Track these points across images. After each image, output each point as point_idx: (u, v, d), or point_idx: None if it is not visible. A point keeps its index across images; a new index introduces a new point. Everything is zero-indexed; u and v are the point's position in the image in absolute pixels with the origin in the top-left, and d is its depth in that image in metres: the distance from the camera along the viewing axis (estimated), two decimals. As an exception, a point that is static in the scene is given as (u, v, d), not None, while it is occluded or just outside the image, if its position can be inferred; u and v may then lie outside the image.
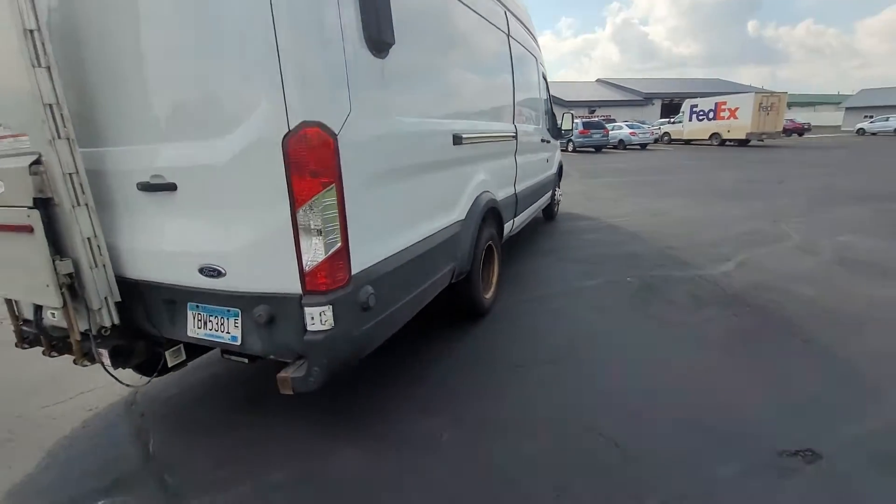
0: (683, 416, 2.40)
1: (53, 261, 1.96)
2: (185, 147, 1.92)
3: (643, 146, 26.81)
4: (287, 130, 1.73)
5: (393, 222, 2.32)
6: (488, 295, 3.80)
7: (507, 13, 4.25)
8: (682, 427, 2.32)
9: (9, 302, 2.34)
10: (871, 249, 5.29)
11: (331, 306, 1.88)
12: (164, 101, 1.96)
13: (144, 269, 2.13)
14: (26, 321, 2.39)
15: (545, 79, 6.28)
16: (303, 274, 1.87)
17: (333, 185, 1.82)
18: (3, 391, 2.90)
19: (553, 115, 6.71)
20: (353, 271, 1.98)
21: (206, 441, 2.37)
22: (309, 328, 1.89)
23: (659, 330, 3.45)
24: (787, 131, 31.71)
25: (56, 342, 2.28)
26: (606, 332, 3.44)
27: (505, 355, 3.13)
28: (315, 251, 1.84)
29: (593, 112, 41.33)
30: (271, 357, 2.05)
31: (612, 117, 33.66)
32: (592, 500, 1.91)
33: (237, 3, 1.71)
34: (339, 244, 1.89)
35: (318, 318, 1.88)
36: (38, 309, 2.20)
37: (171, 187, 1.98)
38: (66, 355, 2.30)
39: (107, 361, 2.15)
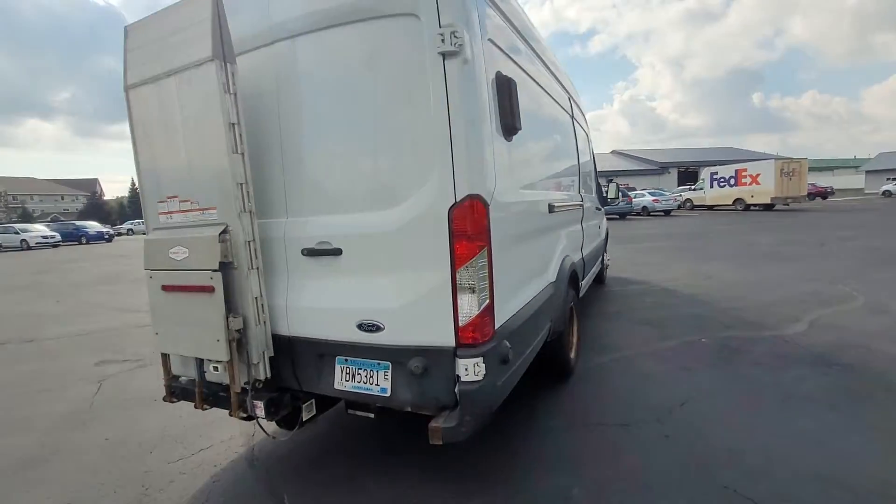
0: (808, 472, 2.36)
1: (227, 318, 2.19)
2: (353, 218, 2.21)
3: (667, 212, 27.19)
4: (453, 202, 2.00)
5: (517, 281, 2.53)
6: (572, 354, 3.87)
7: (570, 97, 4.75)
8: (811, 482, 2.28)
9: (164, 357, 2.56)
10: (943, 309, 5.20)
11: (482, 358, 2.03)
12: (337, 181, 2.28)
13: (300, 325, 2.34)
14: (174, 377, 2.58)
15: (592, 151, 6.74)
16: (457, 328, 2.05)
17: (486, 248, 2.05)
18: (123, 447, 3.02)
19: (599, 184, 7.09)
20: (496, 326, 2.15)
21: (337, 500, 2.41)
22: (463, 379, 2.03)
23: (752, 388, 3.42)
24: (811, 195, 31.87)
25: (209, 396, 2.45)
26: (700, 391, 3.43)
27: (605, 414, 3.14)
28: (469, 307, 2.03)
29: (611, 181, 42.55)
30: (411, 409, 2.17)
31: (631, 185, 34.52)
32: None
33: (421, 112, 2.05)
34: (488, 301, 2.08)
35: (472, 370, 2.02)
36: (200, 364, 2.40)
37: (337, 252, 2.24)
38: (205, 409, 2.46)
39: (261, 413, 2.30)
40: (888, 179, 42.91)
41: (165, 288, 2.38)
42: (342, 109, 2.23)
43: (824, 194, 36.53)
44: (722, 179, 28.69)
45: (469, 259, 2.02)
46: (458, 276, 2.03)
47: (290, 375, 2.40)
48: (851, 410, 3.03)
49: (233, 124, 2.17)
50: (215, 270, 2.20)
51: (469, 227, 2.01)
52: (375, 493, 2.43)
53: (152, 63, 2.32)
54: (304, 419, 2.50)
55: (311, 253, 2.31)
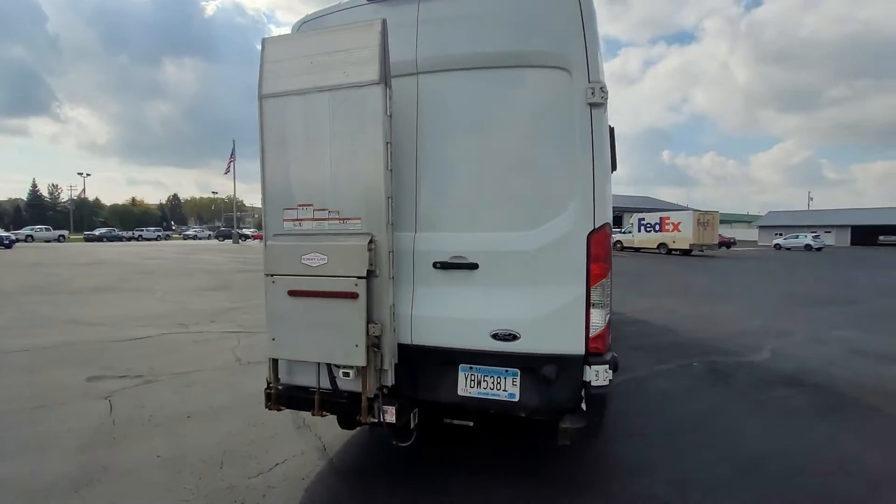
0: (831, 465, 2.88)
1: (367, 324, 2.29)
2: (492, 236, 2.44)
3: (602, 251, 29.41)
4: (592, 228, 2.31)
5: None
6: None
7: None
8: (834, 473, 2.79)
9: (273, 363, 2.54)
10: (868, 341, 6.33)
11: (607, 365, 2.31)
12: (474, 203, 2.50)
13: (425, 334, 2.47)
14: (284, 385, 2.55)
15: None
16: (588, 338, 2.32)
17: (610, 269, 2.38)
18: (185, 463, 2.85)
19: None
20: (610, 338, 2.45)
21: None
22: (592, 383, 2.29)
23: (756, 404, 4.00)
24: (720, 244, 36.18)
25: (325, 402, 2.46)
26: (714, 406, 3.94)
27: (645, 426, 3.52)
28: (598, 320, 2.33)
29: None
30: (534, 414, 2.38)
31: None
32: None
33: (565, 149, 2.36)
34: (609, 315, 2.38)
35: (601, 376, 2.29)
36: (328, 370, 2.43)
37: (473, 266, 2.44)
38: (323, 415, 2.48)
39: (391, 418, 2.37)
40: (776, 234, 50.13)
41: (293, 293, 2.41)
42: (485, 140, 2.48)
43: (728, 244, 41.59)
44: (648, 225, 31.78)
45: (601, 279, 2.32)
46: (592, 292, 2.32)
47: (407, 383, 2.50)
48: (837, 418, 3.67)
49: (388, 143, 2.34)
50: (361, 278, 2.30)
51: (602, 250, 2.33)
52: (471, 498, 2.56)
53: (299, 77, 2.43)
54: (411, 426, 2.59)
55: (444, 266, 2.48)
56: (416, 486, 2.66)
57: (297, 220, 2.48)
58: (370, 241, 2.31)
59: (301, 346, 2.42)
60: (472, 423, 2.63)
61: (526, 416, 2.43)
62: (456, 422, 2.66)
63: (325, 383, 2.46)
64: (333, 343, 2.35)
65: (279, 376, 2.57)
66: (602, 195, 2.34)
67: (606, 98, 2.32)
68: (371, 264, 2.30)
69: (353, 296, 2.30)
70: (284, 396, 2.55)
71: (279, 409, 2.55)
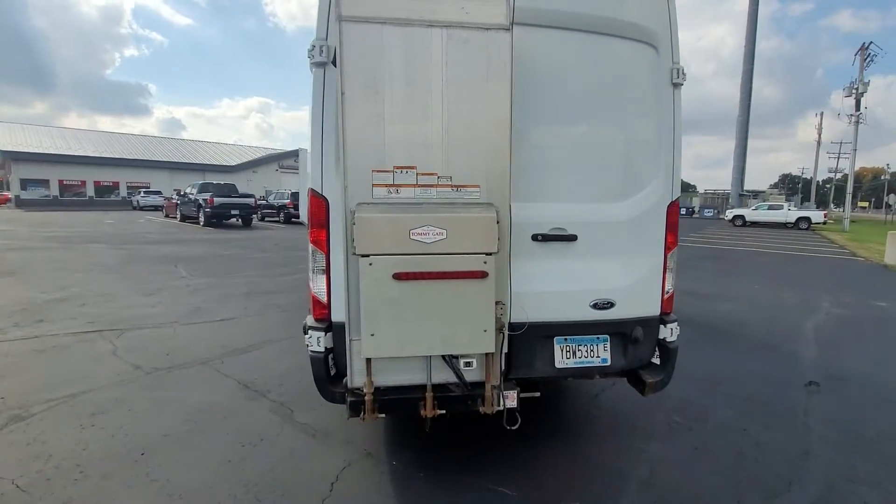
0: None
1: (497, 306, 2.07)
2: (589, 207, 2.42)
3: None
4: (671, 200, 2.53)
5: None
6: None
7: None
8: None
9: (368, 364, 2.05)
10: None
11: (676, 323, 2.63)
12: (572, 173, 2.41)
13: (524, 310, 2.34)
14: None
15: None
16: (663, 300, 2.58)
17: (677, 238, 2.66)
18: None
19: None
20: (665, 300, 2.77)
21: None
22: (668, 340, 2.58)
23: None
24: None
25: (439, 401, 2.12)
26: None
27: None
28: (670, 284, 2.61)
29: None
30: (619, 373, 2.57)
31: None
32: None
33: (652, 125, 2.48)
34: (674, 279, 2.68)
35: (673, 332, 2.60)
36: (453, 361, 2.08)
37: (572, 238, 2.39)
38: (435, 415, 2.15)
39: (513, 403, 2.21)
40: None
41: (400, 276, 1.97)
42: (578, 107, 2.40)
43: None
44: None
45: (674, 247, 2.59)
46: (668, 259, 2.57)
47: (504, 363, 2.36)
48: (692, 331, 4.93)
49: (510, 116, 2.06)
50: (490, 254, 2.03)
51: (675, 220, 2.58)
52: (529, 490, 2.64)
53: (401, 1, 1.91)
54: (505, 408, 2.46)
55: (544, 238, 2.36)
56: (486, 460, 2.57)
57: (392, 185, 2.00)
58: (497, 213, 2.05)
59: (411, 339, 2.03)
60: (538, 394, 2.66)
61: (612, 376, 2.59)
62: (524, 395, 2.64)
63: (439, 378, 2.13)
64: (456, 330, 2.04)
65: (376, 378, 2.09)
66: (678, 171, 2.57)
67: (685, 80, 2.52)
68: (499, 239, 2.05)
69: (482, 275, 2.02)
70: (380, 402, 2.10)
71: (376, 418, 2.09)
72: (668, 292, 2.60)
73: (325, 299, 2.29)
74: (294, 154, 37.82)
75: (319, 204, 2.25)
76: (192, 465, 2.47)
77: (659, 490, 2.39)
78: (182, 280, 7.53)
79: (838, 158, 45.15)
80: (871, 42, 35.86)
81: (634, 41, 2.42)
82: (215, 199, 18.00)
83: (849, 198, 29.18)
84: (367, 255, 1.95)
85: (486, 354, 2.11)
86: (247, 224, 19.52)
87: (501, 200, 2.08)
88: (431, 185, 2.03)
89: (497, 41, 1.99)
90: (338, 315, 2.27)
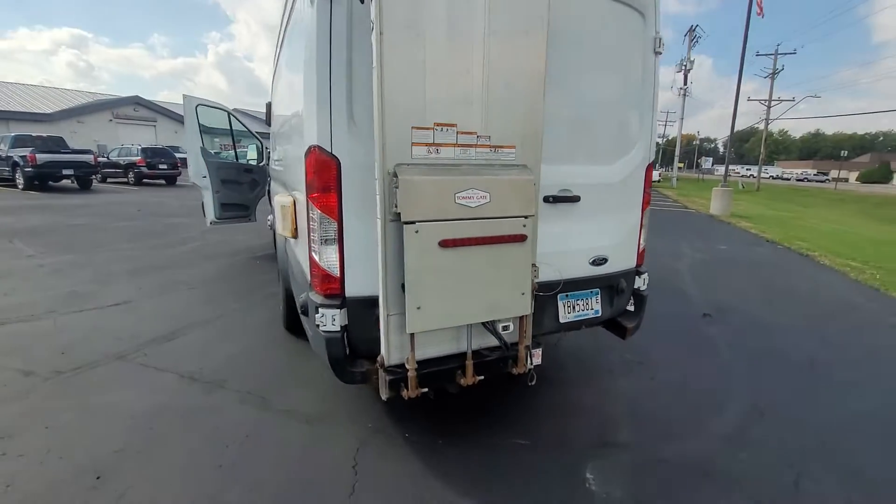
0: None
1: (533, 268, 2.09)
2: (588, 169, 2.51)
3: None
4: (650, 161, 2.76)
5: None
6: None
7: None
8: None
9: (412, 339, 1.89)
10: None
11: (646, 274, 2.95)
12: (573, 134, 2.45)
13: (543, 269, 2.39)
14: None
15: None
16: (638, 254, 2.86)
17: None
18: None
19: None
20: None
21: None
22: (642, 289, 2.89)
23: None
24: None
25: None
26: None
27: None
28: (643, 239, 2.89)
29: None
30: (606, 321, 2.82)
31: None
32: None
33: (637, 90, 2.62)
34: (646, 235, 2.97)
35: (644, 283, 2.92)
36: (494, 326, 2.03)
37: (576, 199, 2.47)
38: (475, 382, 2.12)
39: (538, 360, 2.28)
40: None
41: (446, 243, 1.83)
42: (578, 68, 2.41)
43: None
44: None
45: (648, 206, 2.85)
46: (643, 216, 2.83)
47: None
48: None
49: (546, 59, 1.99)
50: (528, 217, 2.00)
51: (650, 181, 2.83)
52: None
53: (443, -67, 1.68)
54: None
55: (554, 200, 2.40)
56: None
57: (432, 144, 1.83)
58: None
59: (457, 308, 1.94)
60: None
61: (598, 325, 2.82)
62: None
63: (477, 344, 2.09)
64: (498, 296, 2.02)
65: (419, 352, 1.96)
66: (655, 134, 2.80)
67: (663, 50, 2.70)
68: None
69: (522, 238, 2.01)
70: (422, 376, 1.98)
71: (417, 395, 1.97)
72: (642, 247, 2.89)
73: (337, 272, 2.05)
74: (132, 101, 31.53)
75: (328, 164, 1.95)
76: (175, 479, 2.09)
77: (641, 417, 2.74)
78: (30, 259, 5.96)
79: (665, 125, 53.48)
80: (697, 25, 42.61)
81: (628, 6, 2.50)
82: (38, 155, 14.25)
83: (676, 159, 35.17)
84: (413, 222, 1.77)
85: (522, 316, 2.13)
86: (85, 186, 15.98)
87: (535, 162, 2.05)
88: (471, 146, 1.91)
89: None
90: (354, 289, 2.06)
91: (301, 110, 2.13)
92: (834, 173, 59.98)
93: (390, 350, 1.93)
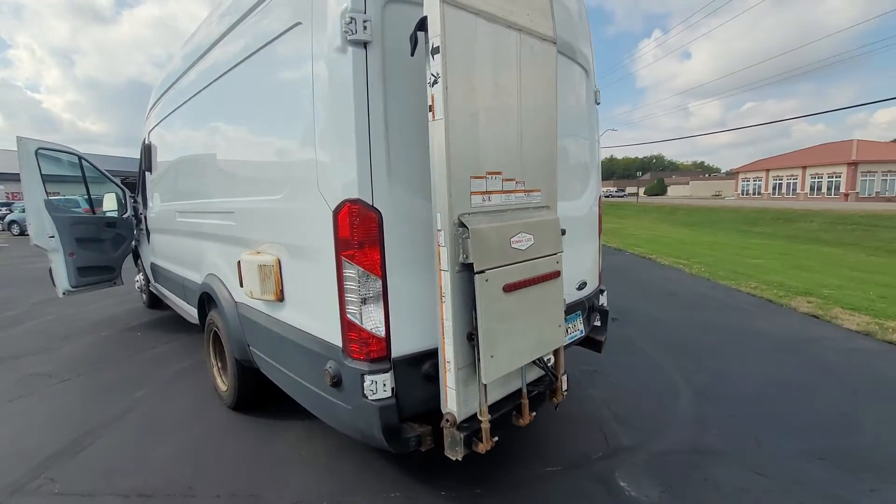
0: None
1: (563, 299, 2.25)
2: (565, 204, 2.77)
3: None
4: (598, 195, 3.18)
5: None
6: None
7: None
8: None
9: (484, 390, 1.82)
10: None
11: (605, 292, 3.35)
12: (566, 173, 2.70)
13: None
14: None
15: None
16: (600, 277, 3.25)
17: (593, 223, 3.37)
18: None
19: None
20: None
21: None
22: (605, 306, 3.27)
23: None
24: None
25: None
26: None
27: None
28: (601, 263, 3.30)
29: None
30: (585, 339, 3.11)
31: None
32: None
33: (592, 145, 3.00)
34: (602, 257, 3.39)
35: (605, 299, 3.31)
36: (544, 362, 2.05)
37: (563, 232, 2.70)
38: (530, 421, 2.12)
39: (566, 384, 2.38)
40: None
41: (508, 288, 1.86)
42: (561, 121, 2.70)
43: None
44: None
45: (601, 231, 3.27)
46: (600, 240, 3.23)
47: None
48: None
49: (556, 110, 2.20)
50: (559, 253, 2.15)
51: (601, 209, 3.26)
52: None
53: (488, -5, 1.78)
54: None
55: (551, 234, 2.60)
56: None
57: (486, 192, 1.88)
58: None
59: (518, 349, 1.97)
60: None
61: (578, 343, 3.09)
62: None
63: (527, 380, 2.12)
64: (544, 331, 2.11)
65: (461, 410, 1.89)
66: (599, 170, 3.25)
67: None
68: (559, 238, 2.20)
69: (558, 274, 2.16)
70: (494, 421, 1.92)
71: (491, 447, 1.89)
72: (600, 268, 3.29)
73: (382, 333, 1.90)
74: None
75: (370, 218, 1.83)
76: None
77: (626, 419, 3.06)
78: None
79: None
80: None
81: (577, 64, 2.91)
82: None
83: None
84: (484, 271, 1.77)
85: (562, 347, 2.25)
86: None
87: (554, 203, 2.23)
88: (512, 191, 1.99)
89: (549, 52, 2.10)
90: (400, 348, 1.93)
91: (314, 159, 1.94)
92: (631, 189, 74.96)
93: (460, 404, 1.85)
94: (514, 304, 1.91)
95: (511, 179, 1.98)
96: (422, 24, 1.68)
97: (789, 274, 8.44)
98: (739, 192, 51.96)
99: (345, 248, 1.85)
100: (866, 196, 37.06)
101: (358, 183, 1.79)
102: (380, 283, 1.86)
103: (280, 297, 2.37)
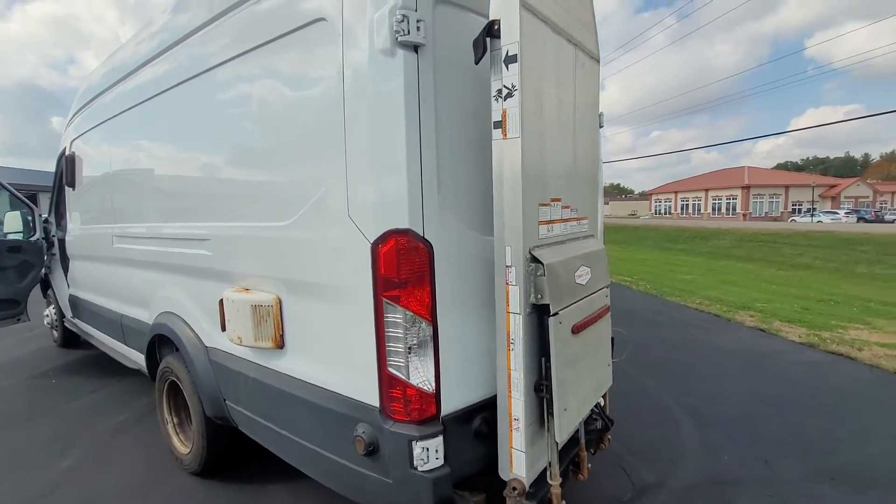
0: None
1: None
2: None
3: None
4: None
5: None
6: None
7: None
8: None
9: (555, 448, 1.58)
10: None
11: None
12: None
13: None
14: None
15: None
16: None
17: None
18: None
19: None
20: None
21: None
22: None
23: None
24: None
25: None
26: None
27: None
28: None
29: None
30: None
31: None
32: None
33: None
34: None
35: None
36: (600, 407, 1.83)
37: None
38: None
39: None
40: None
41: (576, 329, 1.65)
42: None
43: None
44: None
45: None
46: (606, 266, 3.15)
47: None
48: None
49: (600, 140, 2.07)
50: (608, 286, 1.98)
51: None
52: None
53: (554, 5, 1.61)
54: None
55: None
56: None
57: (549, 221, 1.68)
58: (598, 243, 2.04)
59: (582, 398, 1.78)
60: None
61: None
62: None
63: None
64: (599, 373, 1.93)
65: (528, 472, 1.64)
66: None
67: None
68: (603, 270, 2.05)
69: (608, 309, 1.99)
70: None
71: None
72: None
73: (432, 388, 1.60)
74: None
75: (420, 252, 1.54)
76: None
77: (638, 450, 2.96)
78: None
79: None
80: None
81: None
82: None
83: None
84: (558, 312, 1.55)
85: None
86: None
87: (596, 231, 2.08)
88: (568, 220, 1.81)
89: (595, 71, 1.97)
90: (451, 403, 1.65)
91: (342, 180, 1.62)
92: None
93: (529, 468, 1.59)
94: (579, 346, 1.71)
95: (567, 206, 1.79)
96: (490, 29, 1.46)
97: (722, 289, 9.13)
98: (653, 211, 56.88)
99: (387, 287, 1.54)
100: (757, 216, 42.16)
101: (408, 211, 1.50)
102: (430, 328, 1.57)
103: (280, 344, 1.97)
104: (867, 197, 48.13)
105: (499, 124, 1.48)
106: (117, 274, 3.40)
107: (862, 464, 2.83)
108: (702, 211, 48.06)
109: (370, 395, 1.62)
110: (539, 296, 1.51)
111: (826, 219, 34.44)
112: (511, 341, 1.52)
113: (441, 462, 1.57)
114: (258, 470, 2.69)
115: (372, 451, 1.61)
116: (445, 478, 1.57)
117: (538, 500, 1.61)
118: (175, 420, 2.90)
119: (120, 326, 3.45)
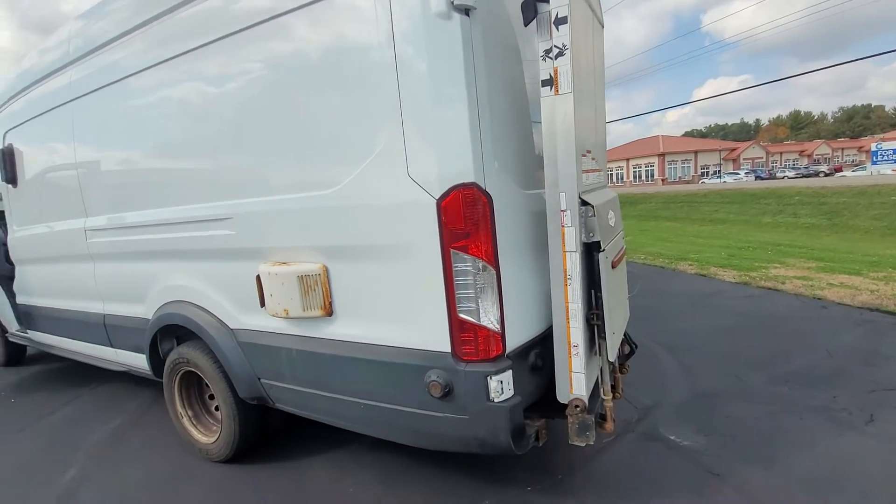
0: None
1: (624, 275, 2.36)
2: None
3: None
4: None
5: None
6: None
7: None
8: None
9: (601, 373, 1.80)
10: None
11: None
12: None
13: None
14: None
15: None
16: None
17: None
18: None
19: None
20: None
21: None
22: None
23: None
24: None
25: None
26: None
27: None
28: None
29: None
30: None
31: None
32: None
33: None
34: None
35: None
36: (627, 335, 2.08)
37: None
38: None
39: None
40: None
41: (614, 264, 1.88)
42: None
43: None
44: None
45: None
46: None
47: None
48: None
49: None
50: (623, 229, 2.23)
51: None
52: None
53: (580, -29, 1.77)
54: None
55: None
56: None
57: (587, 171, 1.87)
58: (612, 194, 2.28)
59: (619, 326, 2.02)
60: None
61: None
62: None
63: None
64: (624, 305, 2.18)
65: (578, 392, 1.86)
66: None
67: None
68: (616, 218, 2.30)
69: (624, 250, 2.24)
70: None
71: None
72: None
73: (499, 328, 1.76)
74: None
75: (483, 204, 1.68)
76: None
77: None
78: None
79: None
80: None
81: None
82: None
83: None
84: (604, 249, 1.76)
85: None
86: None
87: (606, 181, 2.31)
88: (593, 170, 2.01)
89: (601, 36, 2.16)
90: (514, 341, 1.82)
91: (400, 142, 1.70)
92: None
93: (585, 388, 1.81)
94: (616, 279, 1.94)
95: (594, 158, 2.00)
96: (538, -8, 1.60)
97: (659, 245, 10.06)
98: (582, 182, 60.06)
99: (455, 239, 1.66)
100: (673, 180, 46.04)
101: (473, 166, 1.62)
102: (495, 273, 1.72)
103: (329, 312, 2.02)
104: (761, 158, 54.18)
105: (547, 82, 1.63)
106: (95, 272, 3.16)
107: (808, 367, 3.40)
108: (624, 179, 51.56)
109: (440, 342, 1.75)
110: (591, 234, 1.70)
111: (730, 179, 38.47)
112: (568, 277, 1.71)
113: (512, 392, 1.75)
114: (296, 446, 2.71)
115: (447, 392, 1.75)
116: (518, 405, 1.75)
117: (596, 413, 1.84)
118: (190, 413, 2.82)
119: (103, 328, 3.23)
